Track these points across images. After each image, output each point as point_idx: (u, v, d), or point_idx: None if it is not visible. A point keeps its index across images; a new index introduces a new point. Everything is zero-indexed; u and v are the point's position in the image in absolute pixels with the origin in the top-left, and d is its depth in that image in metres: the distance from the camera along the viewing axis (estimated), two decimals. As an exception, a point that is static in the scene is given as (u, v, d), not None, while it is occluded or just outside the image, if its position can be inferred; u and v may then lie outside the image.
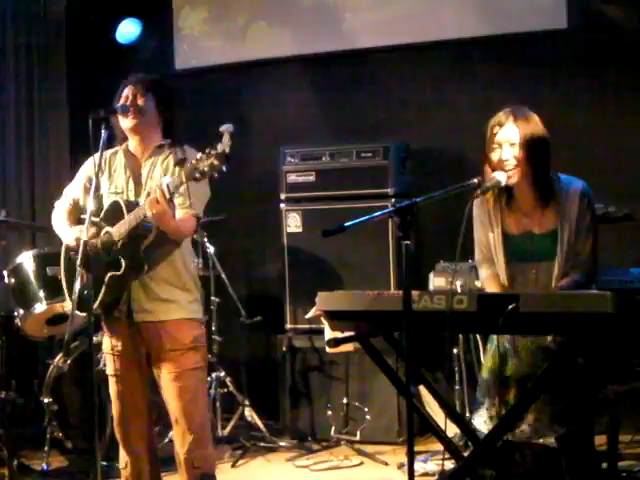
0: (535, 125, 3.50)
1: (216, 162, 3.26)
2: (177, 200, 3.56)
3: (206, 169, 3.27)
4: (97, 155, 3.59)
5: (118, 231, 3.57)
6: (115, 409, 3.78)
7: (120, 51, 6.61)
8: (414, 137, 6.01)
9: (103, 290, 3.62)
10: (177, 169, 3.44)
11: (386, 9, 6.25)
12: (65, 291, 3.86)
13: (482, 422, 3.56)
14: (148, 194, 3.56)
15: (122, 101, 3.76)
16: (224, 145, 3.26)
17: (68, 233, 3.83)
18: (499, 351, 3.54)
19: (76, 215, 3.89)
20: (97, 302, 3.61)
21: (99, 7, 6.68)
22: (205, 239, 5.63)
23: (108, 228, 3.62)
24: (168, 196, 3.40)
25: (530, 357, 3.47)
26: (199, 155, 3.30)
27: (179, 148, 3.74)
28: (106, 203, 3.69)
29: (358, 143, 5.83)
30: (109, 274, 3.60)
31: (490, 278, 3.62)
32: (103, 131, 3.58)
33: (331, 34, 6.42)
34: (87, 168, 3.87)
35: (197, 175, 3.30)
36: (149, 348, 3.71)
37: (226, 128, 3.27)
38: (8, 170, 6.44)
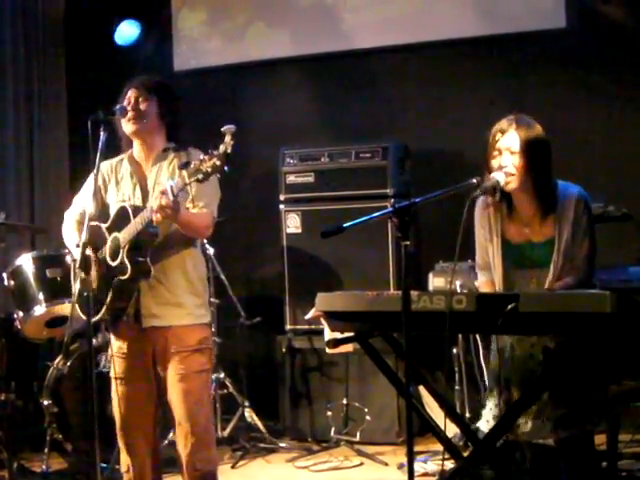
0: (537, 134, 3.50)
1: (218, 162, 3.26)
2: (188, 204, 3.56)
3: (209, 170, 3.28)
4: (97, 156, 3.59)
5: (125, 236, 3.58)
6: (118, 413, 3.75)
7: (119, 52, 6.62)
8: (413, 137, 6.01)
9: (110, 295, 3.61)
10: (182, 172, 3.44)
11: (385, 9, 6.25)
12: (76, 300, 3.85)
13: (484, 423, 3.56)
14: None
15: (125, 103, 3.76)
16: (226, 145, 3.26)
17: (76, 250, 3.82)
18: (501, 353, 3.54)
19: None
20: (104, 308, 3.62)
21: (98, 8, 6.68)
22: (205, 240, 5.63)
23: (116, 234, 3.63)
24: (172, 198, 3.40)
25: (531, 358, 3.47)
26: (202, 156, 3.31)
27: (183, 152, 3.75)
28: (113, 211, 3.71)
29: (357, 144, 5.83)
30: (116, 279, 3.60)
31: (486, 285, 3.64)
32: (102, 133, 3.58)
33: (330, 34, 6.42)
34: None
35: (200, 176, 3.30)
36: (155, 349, 3.71)
37: (228, 128, 3.29)
38: (7, 172, 6.43)
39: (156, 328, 3.68)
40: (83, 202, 3.90)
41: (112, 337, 3.79)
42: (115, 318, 3.71)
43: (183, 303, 3.70)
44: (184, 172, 3.35)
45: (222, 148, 3.27)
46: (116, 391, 3.75)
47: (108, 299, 3.61)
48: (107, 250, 3.65)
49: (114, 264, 3.62)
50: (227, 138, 3.27)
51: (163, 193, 3.41)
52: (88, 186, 3.90)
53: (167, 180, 3.65)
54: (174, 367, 3.67)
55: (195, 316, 3.73)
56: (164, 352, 3.68)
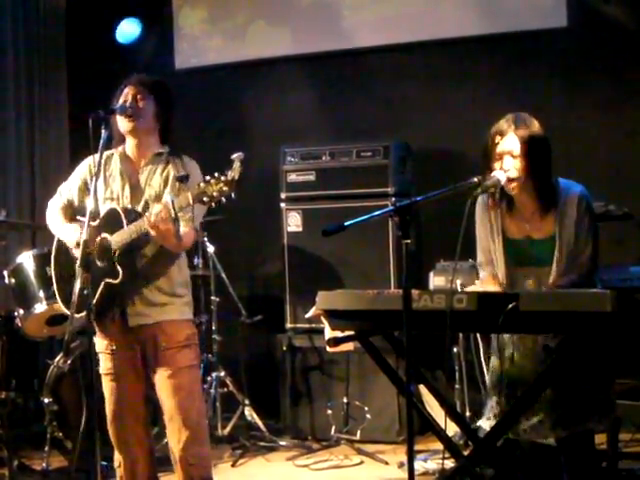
0: (536, 133, 3.48)
1: (225, 188, 3.28)
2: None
3: (215, 194, 3.29)
4: (97, 155, 3.59)
5: (117, 240, 3.57)
6: (108, 408, 3.77)
7: (120, 50, 6.62)
8: (414, 136, 6.01)
9: (97, 295, 3.61)
10: (179, 185, 3.42)
11: (385, 7, 6.25)
12: (55, 290, 3.85)
13: (485, 421, 3.57)
14: (146, 203, 3.56)
15: (122, 100, 3.75)
16: (235, 172, 3.28)
17: (66, 231, 3.82)
18: (501, 351, 3.54)
19: (70, 214, 3.89)
20: (91, 306, 3.60)
21: (99, 7, 6.69)
22: (205, 238, 5.64)
23: (106, 235, 3.62)
24: (173, 215, 3.39)
25: (532, 357, 3.47)
26: (207, 178, 3.31)
27: (178, 160, 3.75)
28: (102, 208, 3.69)
29: (358, 142, 5.83)
30: (105, 281, 3.60)
31: (489, 279, 3.64)
32: (103, 131, 3.57)
33: (330, 33, 6.42)
34: (82, 169, 3.87)
35: (205, 199, 3.31)
36: (144, 348, 3.72)
37: (237, 156, 3.31)
38: (8, 170, 6.43)
39: (143, 326, 3.69)
40: (68, 193, 3.91)
41: (98, 334, 3.77)
42: (99, 316, 3.68)
43: (168, 303, 3.73)
44: (187, 191, 3.34)
45: (231, 174, 3.28)
46: (106, 387, 3.77)
47: (95, 299, 3.59)
48: (95, 250, 3.63)
49: (101, 265, 3.62)
50: (236, 165, 3.28)
51: (165, 208, 3.39)
52: (75, 177, 3.90)
53: (160, 185, 3.68)
54: (163, 364, 3.68)
55: (180, 312, 3.76)
56: (153, 350, 3.69)
